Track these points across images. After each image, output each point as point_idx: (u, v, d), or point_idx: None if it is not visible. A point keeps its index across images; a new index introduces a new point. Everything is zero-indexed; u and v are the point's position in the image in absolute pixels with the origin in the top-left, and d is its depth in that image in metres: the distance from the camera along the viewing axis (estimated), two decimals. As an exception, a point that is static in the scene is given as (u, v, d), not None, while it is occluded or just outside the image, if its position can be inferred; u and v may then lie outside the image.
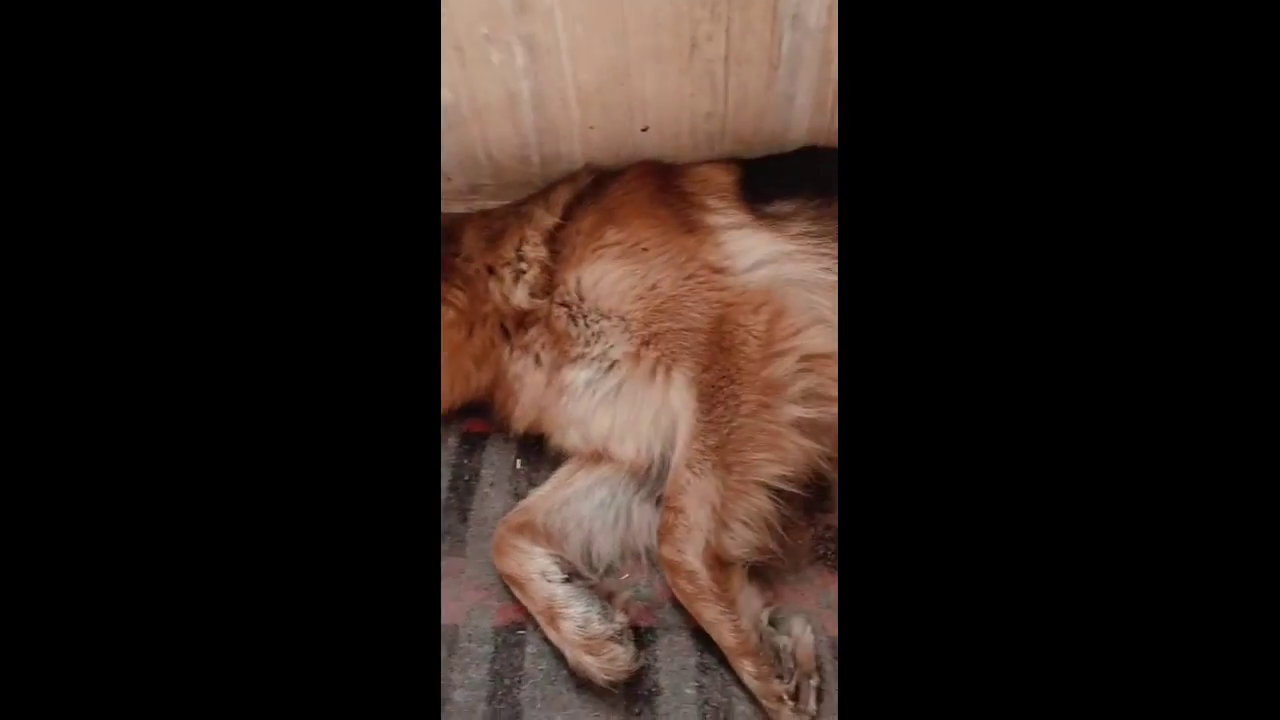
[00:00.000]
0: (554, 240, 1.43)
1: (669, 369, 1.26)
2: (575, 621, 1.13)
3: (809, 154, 1.59)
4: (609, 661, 1.09)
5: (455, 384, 1.44)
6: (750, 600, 1.16)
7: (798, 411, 1.20)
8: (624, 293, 1.32)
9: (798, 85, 1.56)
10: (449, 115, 1.58)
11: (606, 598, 1.19)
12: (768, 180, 1.47)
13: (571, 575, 1.22)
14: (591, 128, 1.59)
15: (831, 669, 1.14)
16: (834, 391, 1.24)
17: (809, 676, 1.11)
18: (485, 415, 1.49)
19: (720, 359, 1.22)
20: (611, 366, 1.31)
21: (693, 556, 1.12)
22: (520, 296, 1.41)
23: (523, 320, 1.42)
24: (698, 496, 1.15)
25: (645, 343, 1.29)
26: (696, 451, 1.17)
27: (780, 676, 1.09)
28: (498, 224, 1.50)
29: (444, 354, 1.41)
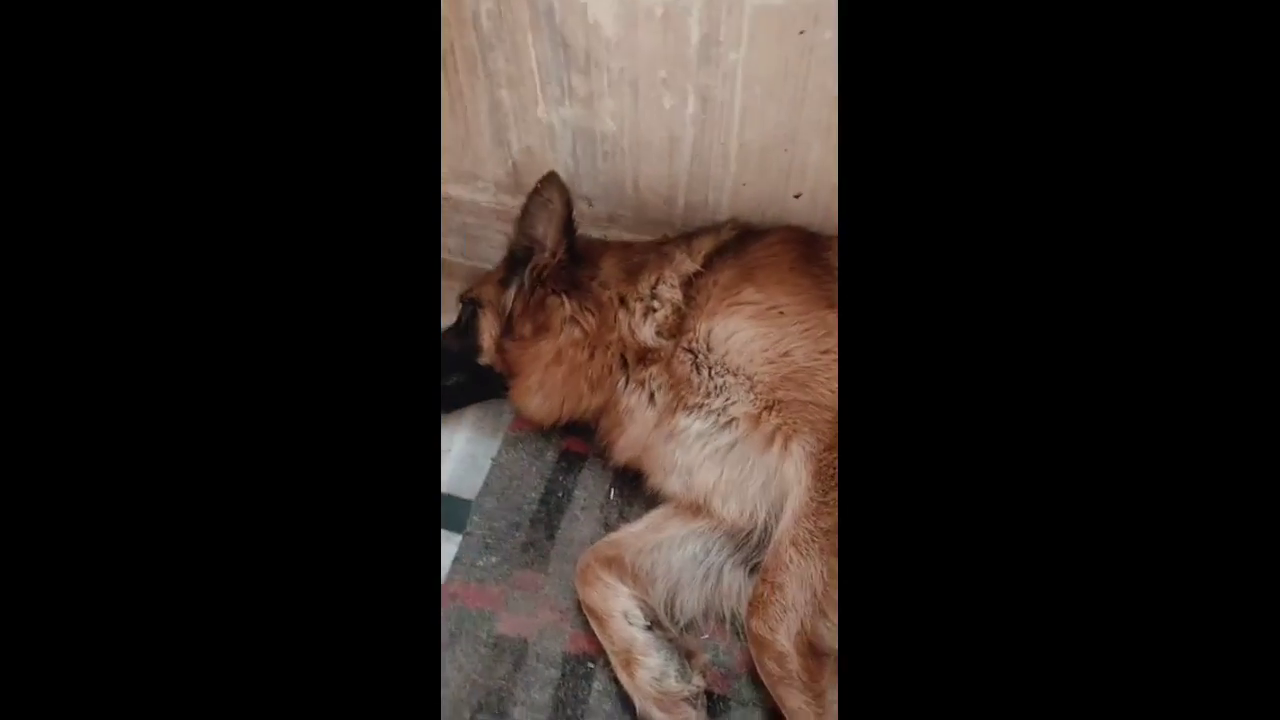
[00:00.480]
0: (690, 286, 1.46)
1: (788, 439, 1.27)
2: (651, 672, 1.13)
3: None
4: (678, 722, 1.09)
5: (566, 401, 1.48)
6: (837, 700, 1.13)
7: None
8: (754, 353, 1.33)
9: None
10: (608, 143, 1.63)
11: (686, 656, 1.19)
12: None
13: (653, 623, 1.22)
14: (744, 184, 1.62)
15: None
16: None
17: None
18: (586, 437, 1.52)
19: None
20: (729, 423, 1.31)
21: (784, 638, 1.11)
22: (647, 333, 1.44)
23: (644, 356, 1.44)
24: (800, 577, 1.14)
25: (768, 407, 1.29)
26: (805, 531, 1.17)
27: None
28: (638, 258, 1.54)
29: (562, 370, 1.45)
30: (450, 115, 1.69)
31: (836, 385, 1.28)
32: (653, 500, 1.42)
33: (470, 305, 1.60)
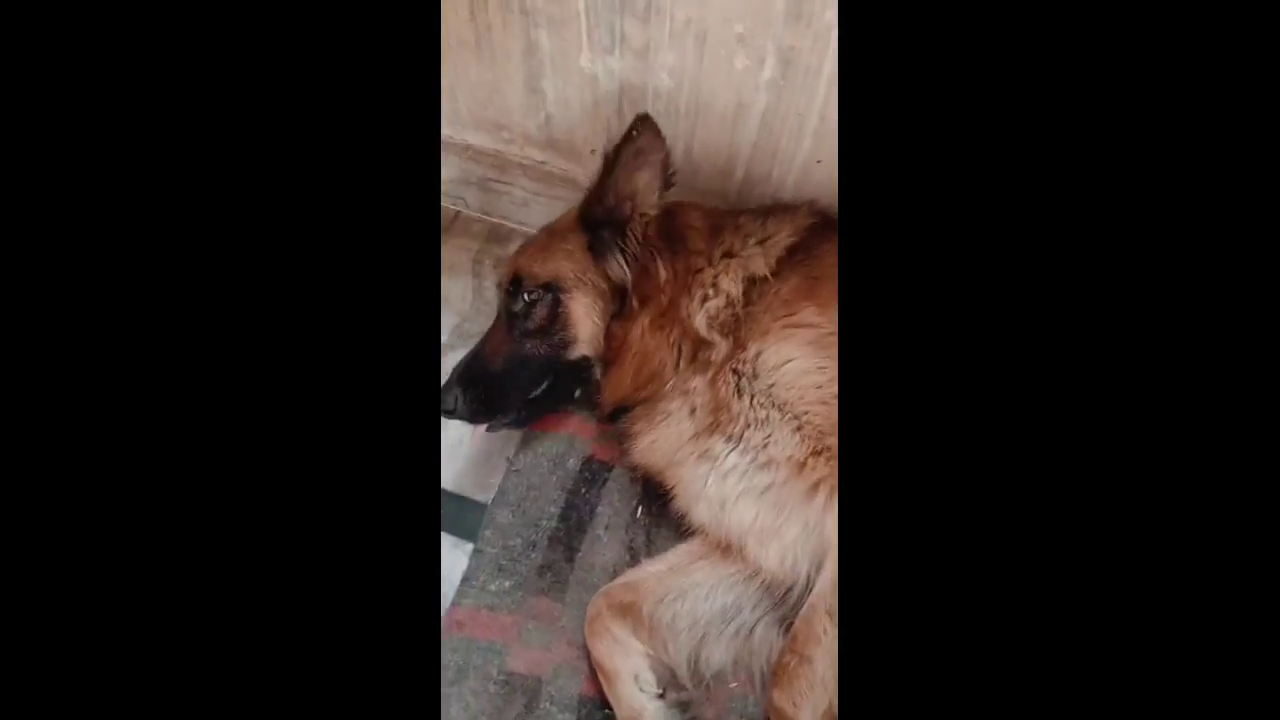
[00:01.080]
0: (753, 284, 1.27)
1: (832, 492, 1.12)
2: None
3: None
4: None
5: (638, 380, 1.29)
6: None
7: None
8: (806, 389, 1.17)
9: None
10: (661, 102, 1.38)
11: None
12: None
13: (667, 689, 1.13)
14: (819, 162, 1.38)
15: None
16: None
17: None
18: (617, 440, 1.38)
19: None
20: (768, 464, 1.16)
21: (809, 716, 1.03)
22: (700, 322, 1.26)
23: (697, 350, 1.26)
24: (831, 651, 1.04)
25: (816, 453, 1.14)
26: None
27: None
28: (717, 224, 1.32)
29: (651, 343, 1.27)
30: (477, 55, 1.42)
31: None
32: (682, 524, 1.31)
33: (548, 293, 1.30)
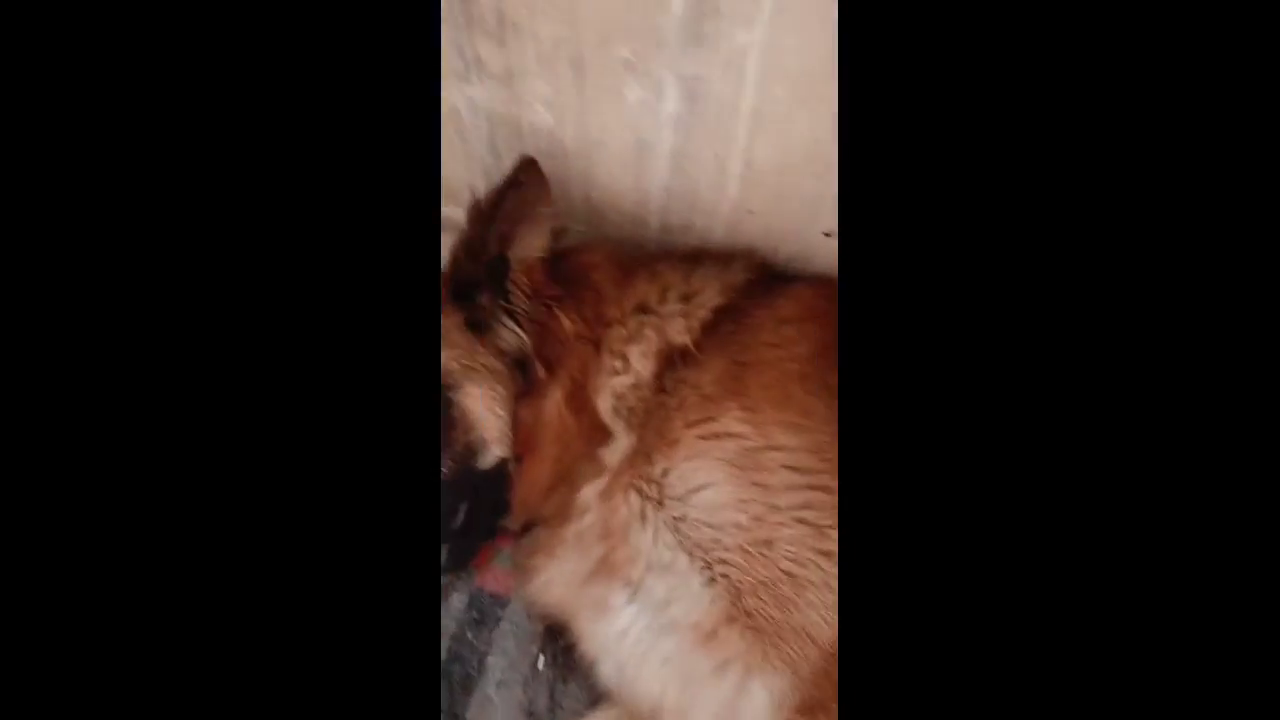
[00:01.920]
0: (669, 361, 0.98)
1: (748, 674, 0.87)
2: None
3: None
4: None
5: (547, 469, 1.02)
6: None
7: None
8: (723, 529, 0.89)
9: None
10: (542, 139, 1.06)
11: None
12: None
13: None
14: (750, 212, 1.07)
15: None
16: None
17: None
18: (514, 567, 1.13)
19: (833, 710, 0.83)
20: (670, 627, 0.91)
21: None
22: (604, 402, 0.99)
23: (601, 442, 0.99)
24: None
25: (730, 621, 0.88)
26: None
27: None
28: (629, 272, 1.04)
29: (549, 415, 1.00)
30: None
31: (829, 613, 0.87)
32: (592, 680, 1.05)
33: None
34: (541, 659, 1.10)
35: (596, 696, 1.04)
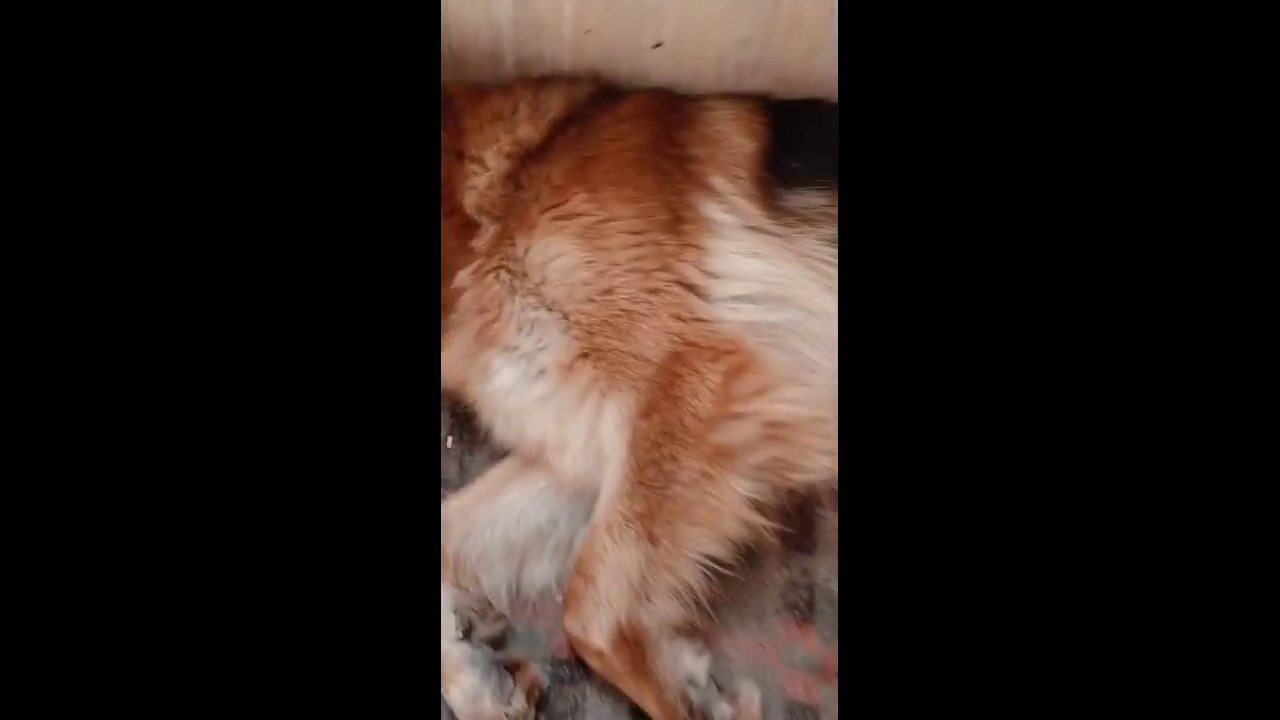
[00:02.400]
0: (525, 160, 1.16)
1: (604, 396, 1.05)
2: (465, 693, 1.02)
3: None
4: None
5: None
6: (678, 664, 1.03)
7: (748, 487, 1.00)
8: (575, 286, 1.08)
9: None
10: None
11: (511, 669, 1.06)
12: (801, 147, 1.14)
13: (474, 625, 1.09)
14: (588, 31, 1.23)
15: None
16: (805, 462, 1.03)
17: None
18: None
19: (664, 408, 1.00)
20: (541, 373, 1.10)
21: (598, 636, 0.98)
22: (470, 200, 1.16)
23: (470, 235, 1.15)
24: (613, 568, 1.00)
25: (584, 355, 1.06)
26: (619, 515, 1.00)
27: None
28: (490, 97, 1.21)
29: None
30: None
31: (664, 335, 1.04)
32: (495, 446, 1.24)
33: None
34: (450, 439, 1.29)
35: (498, 455, 1.23)
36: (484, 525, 1.17)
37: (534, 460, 1.18)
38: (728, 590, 1.07)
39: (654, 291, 1.05)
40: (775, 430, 1.01)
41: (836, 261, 1.06)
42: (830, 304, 1.06)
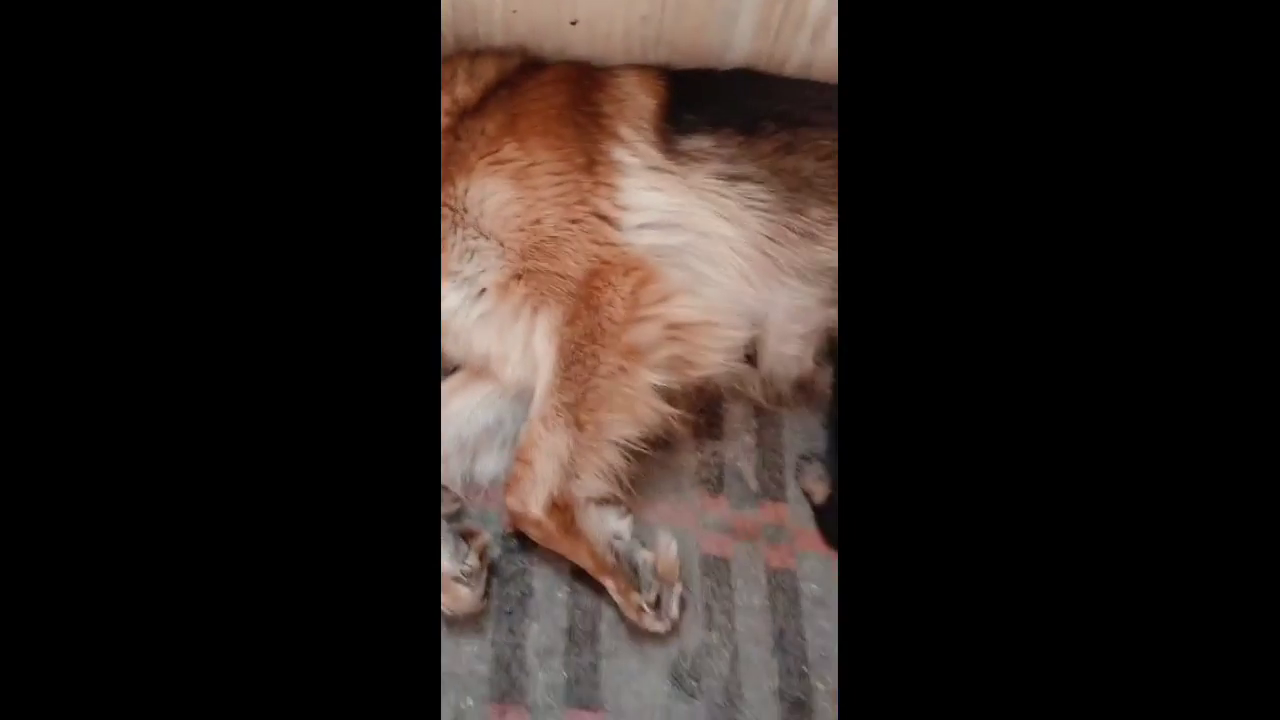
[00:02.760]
0: (462, 116, 1.36)
1: (535, 311, 1.26)
2: None
3: (745, 77, 1.46)
4: (452, 600, 1.18)
5: None
6: (604, 525, 1.23)
7: (656, 378, 1.21)
8: (508, 218, 1.29)
9: (742, 4, 1.39)
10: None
11: (464, 536, 1.24)
12: (694, 104, 1.37)
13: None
14: (514, 11, 1.44)
15: (702, 581, 1.24)
16: (700, 359, 1.25)
17: (671, 586, 1.21)
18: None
19: (585, 315, 1.22)
20: (481, 293, 1.30)
21: (535, 508, 1.18)
22: None
23: None
24: (546, 451, 1.20)
25: (517, 276, 1.27)
26: (551, 407, 1.21)
27: (639, 589, 1.19)
28: None
29: None
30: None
31: (584, 256, 1.26)
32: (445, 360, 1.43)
33: None
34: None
35: (448, 370, 1.43)
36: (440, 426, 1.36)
37: (480, 371, 1.38)
38: (649, 469, 1.29)
39: (575, 221, 1.26)
40: (675, 331, 1.23)
41: (722, 192, 1.29)
42: (719, 227, 1.28)
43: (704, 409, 1.38)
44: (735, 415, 1.40)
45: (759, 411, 1.40)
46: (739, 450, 1.36)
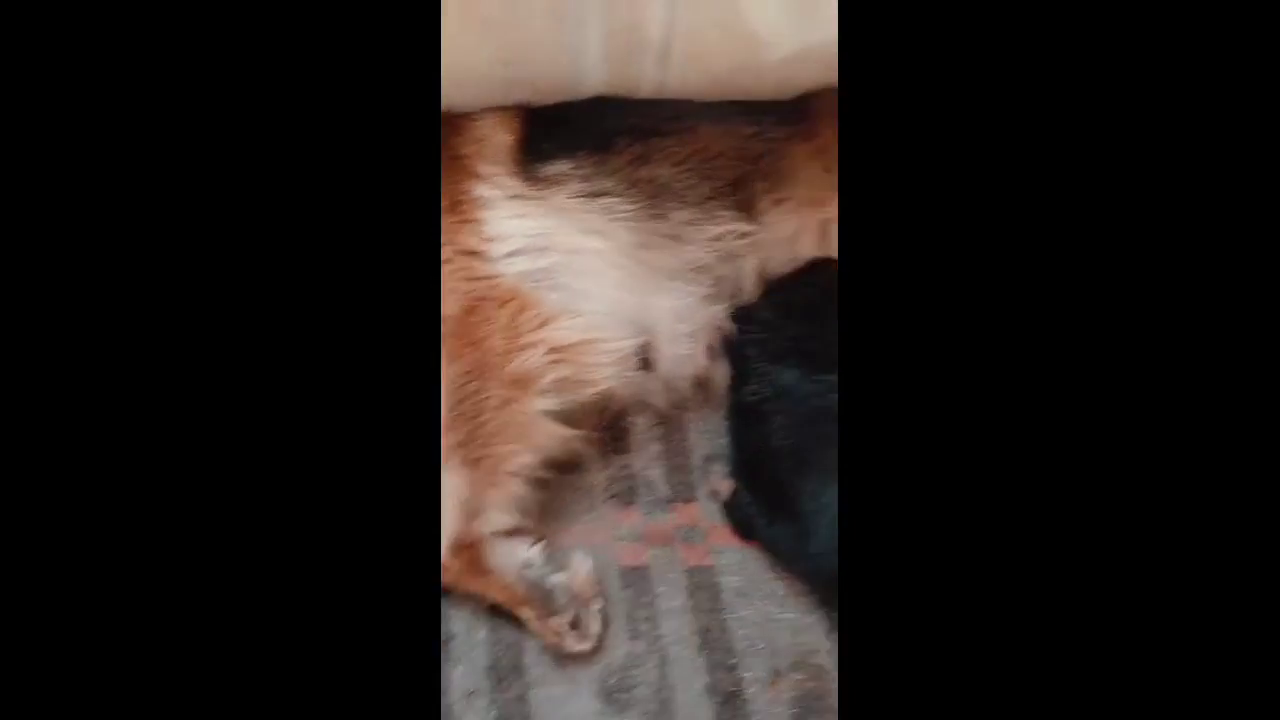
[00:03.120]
0: None
1: None
2: None
3: (600, 104, 1.50)
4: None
5: None
6: (514, 556, 1.23)
7: (546, 403, 1.24)
8: None
9: (587, 39, 1.45)
10: None
11: None
12: (551, 134, 1.41)
13: None
14: None
15: (622, 593, 1.24)
16: (590, 376, 1.28)
17: (588, 604, 1.21)
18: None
19: (467, 353, 1.24)
20: None
21: (441, 553, 1.20)
22: None
23: None
24: (446, 495, 1.21)
25: None
26: (445, 449, 1.23)
27: (555, 613, 1.19)
28: None
29: None
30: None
31: (459, 295, 1.27)
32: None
33: None
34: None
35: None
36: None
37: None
38: (559, 493, 1.31)
39: (445, 262, 1.29)
40: (559, 354, 1.26)
41: (584, 208, 1.32)
42: (586, 242, 1.32)
43: (609, 425, 1.40)
44: (640, 426, 1.41)
45: (663, 418, 1.42)
46: (647, 459, 1.38)
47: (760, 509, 1.24)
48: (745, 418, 1.30)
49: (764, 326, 1.32)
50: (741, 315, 1.36)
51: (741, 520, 1.28)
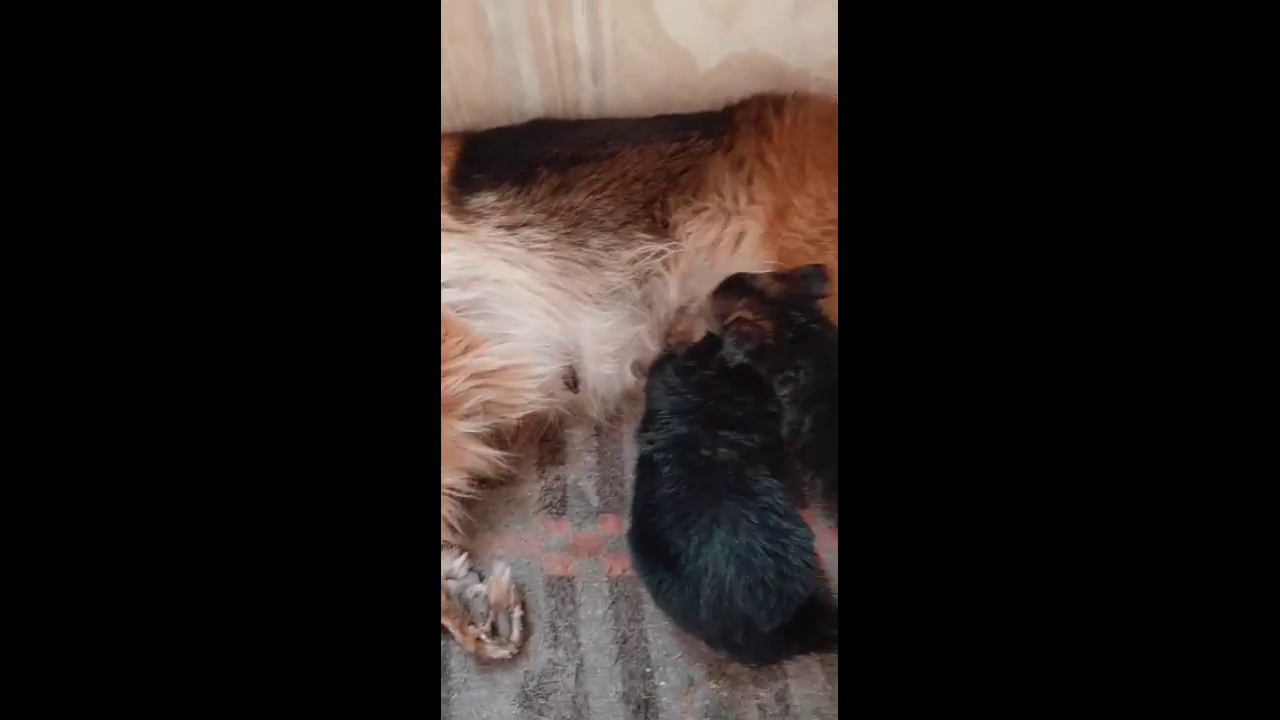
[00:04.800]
0: None
1: None
2: None
3: (534, 129, 1.56)
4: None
5: None
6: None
7: (470, 426, 1.30)
8: None
9: (518, 59, 1.50)
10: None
11: None
12: (481, 163, 1.48)
13: None
14: None
15: (546, 602, 1.30)
16: (514, 400, 1.34)
17: (507, 611, 1.28)
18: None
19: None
20: None
21: None
22: None
23: None
24: None
25: None
26: None
27: (474, 622, 1.26)
28: None
29: None
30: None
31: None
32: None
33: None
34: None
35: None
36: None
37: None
38: (492, 506, 1.39)
39: (376, 294, 1.38)
40: (482, 379, 1.32)
41: (507, 241, 1.38)
42: (510, 273, 1.37)
43: (545, 439, 1.47)
44: (577, 438, 1.48)
45: (599, 431, 1.48)
46: (581, 471, 1.45)
47: (645, 568, 1.22)
48: (641, 465, 1.32)
49: (669, 388, 1.35)
50: (652, 369, 1.40)
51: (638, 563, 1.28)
